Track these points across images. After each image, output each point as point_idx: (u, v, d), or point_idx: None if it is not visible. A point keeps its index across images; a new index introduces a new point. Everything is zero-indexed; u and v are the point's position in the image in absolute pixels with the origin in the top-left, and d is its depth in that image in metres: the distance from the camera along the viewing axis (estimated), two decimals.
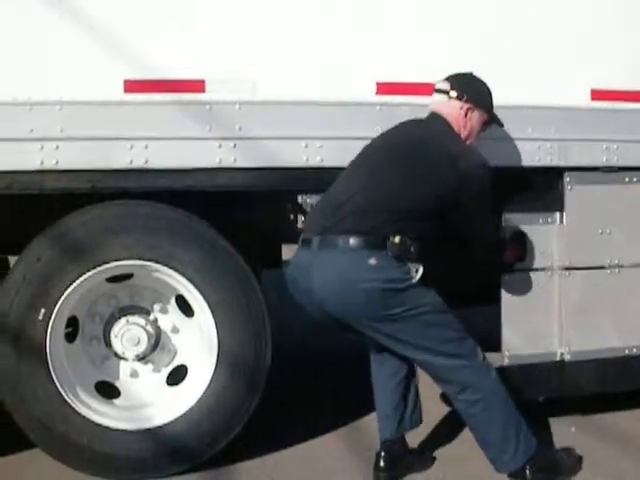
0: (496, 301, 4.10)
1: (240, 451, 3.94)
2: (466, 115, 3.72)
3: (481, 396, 3.58)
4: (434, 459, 4.01)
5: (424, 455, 4.02)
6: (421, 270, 3.45)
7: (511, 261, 4.03)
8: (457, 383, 3.59)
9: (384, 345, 3.63)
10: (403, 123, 3.74)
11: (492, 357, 3.76)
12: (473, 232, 3.66)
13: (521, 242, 4.06)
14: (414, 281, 3.44)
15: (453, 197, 3.51)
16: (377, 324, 3.49)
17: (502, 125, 3.85)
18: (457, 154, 3.55)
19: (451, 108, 3.72)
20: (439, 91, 3.76)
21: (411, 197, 3.46)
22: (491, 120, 3.82)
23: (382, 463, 3.77)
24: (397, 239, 3.39)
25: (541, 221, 4.16)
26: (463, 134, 3.74)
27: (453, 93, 3.71)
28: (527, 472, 3.64)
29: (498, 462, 3.66)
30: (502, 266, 4.03)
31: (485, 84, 3.79)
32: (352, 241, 3.40)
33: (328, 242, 3.45)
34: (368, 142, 3.69)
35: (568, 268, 4.17)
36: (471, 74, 3.78)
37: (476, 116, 3.75)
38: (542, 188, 4.16)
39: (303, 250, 3.57)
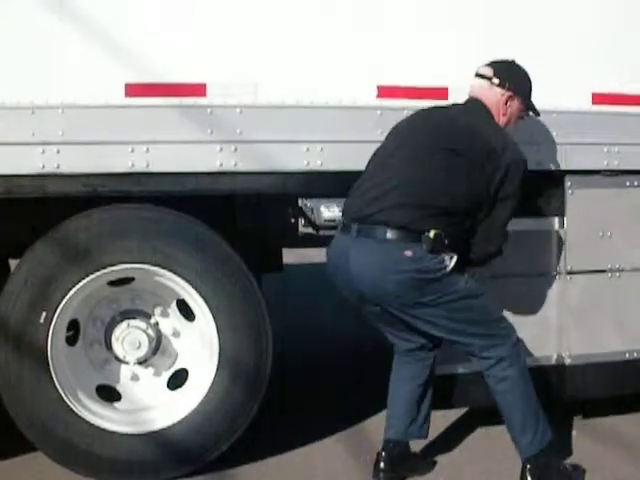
0: None
1: (240, 454, 3.93)
2: (506, 103, 3.73)
3: (510, 374, 3.63)
4: (434, 464, 4.01)
5: (425, 459, 4.02)
6: (455, 258, 3.50)
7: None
8: (492, 357, 3.63)
9: (417, 329, 3.68)
10: (443, 107, 3.76)
11: None
12: (497, 227, 3.64)
13: None
14: (447, 270, 3.49)
15: (489, 187, 3.53)
16: (411, 310, 3.54)
17: (538, 114, 3.87)
18: (502, 148, 3.55)
19: (492, 95, 3.72)
20: (481, 76, 3.76)
21: (451, 192, 3.49)
22: (528, 108, 3.82)
23: (382, 464, 3.79)
24: (432, 234, 3.43)
25: (542, 225, 4.16)
26: (502, 121, 3.74)
27: (495, 80, 3.71)
28: (535, 462, 3.69)
29: (520, 446, 3.73)
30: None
31: (526, 72, 3.79)
32: (389, 233, 3.45)
33: (366, 231, 3.50)
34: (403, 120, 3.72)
35: (569, 272, 4.18)
36: (513, 61, 3.78)
37: (516, 104, 3.76)
38: (543, 192, 4.17)
39: (342, 234, 3.62)
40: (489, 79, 3.73)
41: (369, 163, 3.68)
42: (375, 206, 3.50)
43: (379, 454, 3.81)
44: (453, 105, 3.78)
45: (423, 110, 3.74)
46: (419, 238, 3.44)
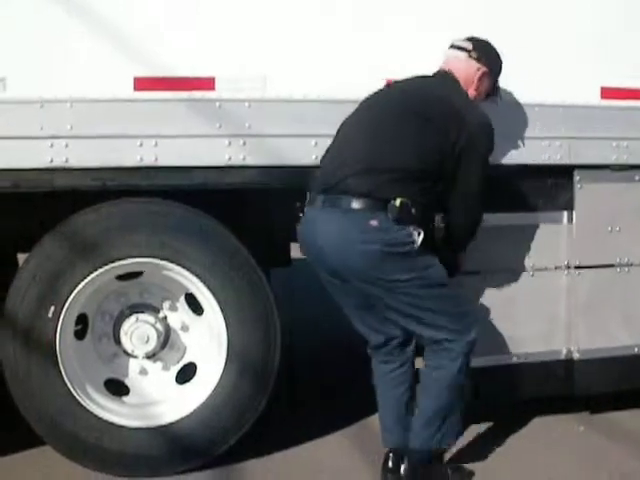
0: None
1: (247, 448, 3.93)
2: (480, 78, 3.72)
3: (451, 365, 3.55)
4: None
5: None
6: (422, 235, 3.41)
7: (459, 263, 3.92)
8: (442, 344, 3.55)
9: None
10: (412, 78, 3.69)
11: None
12: (465, 199, 3.58)
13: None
14: (415, 246, 3.40)
15: (456, 155, 3.47)
16: (375, 288, 3.46)
17: (500, 99, 3.85)
18: (466, 111, 3.53)
19: (467, 67, 3.71)
20: (458, 48, 3.74)
21: (416, 154, 3.42)
22: (494, 92, 3.82)
23: (390, 463, 3.74)
24: (398, 202, 3.35)
25: (550, 219, 4.15)
26: (471, 95, 3.72)
27: (474, 54, 3.71)
28: (419, 455, 3.63)
29: (415, 435, 3.64)
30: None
31: (500, 56, 3.79)
32: (354, 202, 3.38)
33: (332, 201, 3.44)
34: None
35: (577, 267, 4.17)
36: (490, 42, 3.78)
37: (487, 82, 3.76)
38: (551, 186, 4.16)
39: (310, 207, 3.56)
40: (468, 52, 3.71)
41: (336, 134, 3.62)
42: (340, 174, 3.44)
43: (387, 454, 3.76)
44: (423, 76, 3.70)
45: (393, 82, 3.71)
46: (385, 207, 3.36)
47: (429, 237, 3.50)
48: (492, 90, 3.81)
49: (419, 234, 3.41)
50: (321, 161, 3.64)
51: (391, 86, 3.70)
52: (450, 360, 3.55)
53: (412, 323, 3.56)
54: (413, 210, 3.38)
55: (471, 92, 3.71)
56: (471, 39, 3.75)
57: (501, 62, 3.78)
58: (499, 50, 3.77)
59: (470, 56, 3.71)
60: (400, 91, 3.64)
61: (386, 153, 3.44)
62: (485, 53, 3.73)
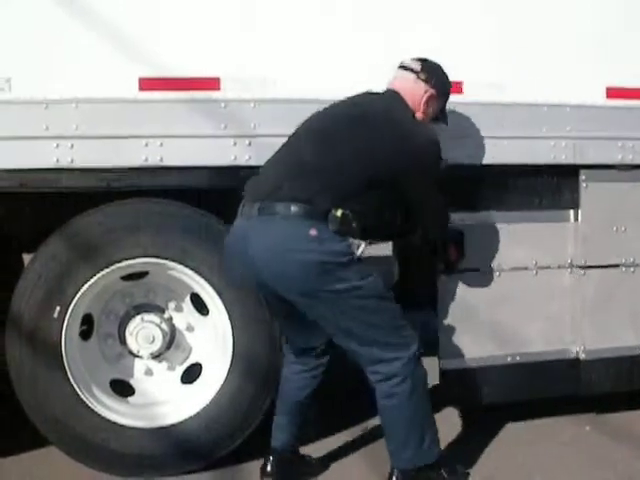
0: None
1: (252, 449, 3.91)
2: (427, 101, 3.62)
3: (399, 390, 3.44)
4: (327, 465, 3.96)
5: (315, 461, 3.96)
6: (363, 246, 3.34)
7: (453, 260, 3.93)
8: (382, 373, 3.44)
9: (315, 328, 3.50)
10: (361, 94, 3.60)
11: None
12: (426, 212, 3.56)
13: (460, 241, 3.95)
14: (355, 257, 3.31)
15: (402, 171, 3.39)
16: (311, 300, 3.33)
17: (446, 124, 3.75)
18: (413, 130, 3.46)
19: (416, 89, 3.60)
20: (406, 69, 3.64)
21: (359, 169, 3.33)
22: (441, 116, 3.74)
23: (269, 468, 3.70)
24: (339, 213, 3.26)
25: (556, 219, 4.14)
26: (418, 117, 3.63)
27: (423, 75, 3.60)
28: (407, 475, 3.55)
29: (396, 457, 3.55)
30: (444, 268, 3.94)
31: (449, 80, 3.70)
32: (293, 208, 3.26)
33: (268, 208, 3.31)
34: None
35: (583, 266, 4.16)
36: (440, 65, 3.68)
37: (435, 106, 3.66)
38: (557, 186, 4.15)
39: (241, 218, 3.43)
40: (416, 73, 3.62)
41: (281, 147, 3.54)
42: (278, 181, 3.34)
43: (266, 458, 3.71)
44: (372, 93, 3.62)
45: (341, 100, 3.58)
46: (325, 217, 3.27)
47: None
48: (440, 113, 3.72)
49: (359, 246, 3.33)
50: (261, 170, 3.51)
51: (340, 101, 3.57)
52: (397, 385, 3.44)
53: (349, 339, 3.43)
54: (354, 224, 3.29)
55: (418, 114, 3.62)
56: (420, 60, 3.66)
57: (450, 86, 3.71)
58: (505, 50, 3.76)
59: (418, 77, 3.61)
60: (348, 106, 3.53)
61: (330, 165, 3.33)
62: (434, 75, 3.63)
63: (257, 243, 3.32)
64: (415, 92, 3.61)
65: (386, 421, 3.55)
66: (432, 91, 3.62)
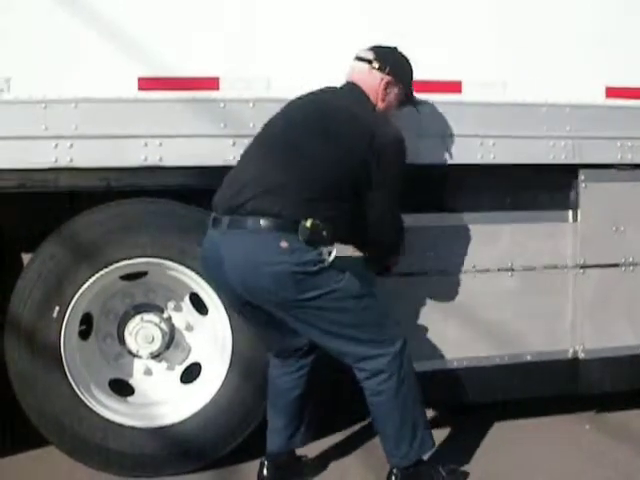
0: None
1: (252, 449, 3.90)
2: (386, 88, 3.56)
3: (386, 387, 3.42)
4: (325, 466, 3.95)
5: (313, 463, 3.94)
6: (334, 253, 3.31)
7: (391, 264, 3.84)
8: (367, 370, 3.43)
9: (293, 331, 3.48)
10: (316, 92, 3.56)
11: None
12: (380, 215, 3.46)
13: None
14: (327, 264, 3.29)
15: (366, 172, 3.35)
16: (288, 308, 3.33)
17: (418, 104, 3.70)
18: (374, 127, 3.39)
19: (371, 79, 3.55)
20: (360, 59, 3.59)
21: (324, 173, 3.30)
22: (408, 100, 3.67)
23: (265, 472, 3.69)
24: (309, 223, 3.23)
25: (555, 219, 4.15)
26: (379, 106, 3.58)
27: (376, 64, 3.55)
28: (406, 471, 3.53)
29: (392, 455, 3.54)
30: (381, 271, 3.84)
31: (409, 62, 3.64)
32: (262, 222, 3.24)
33: (238, 222, 3.29)
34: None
35: (582, 266, 4.17)
36: (396, 48, 3.63)
37: (395, 91, 3.59)
38: (556, 186, 4.15)
39: (213, 229, 3.40)
40: (369, 62, 3.56)
41: (242, 155, 3.52)
42: (246, 194, 3.29)
43: (262, 463, 3.70)
44: (329, 89, 3.57)
45: (298, 97, 3.56)
46: (296, 228, 3.24)
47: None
48: (405, 98, 3.66)
49: (329, 253, 3.30)
50: (225, 181, 3.45)
51: (296, 101, 3.55)
52: (384, 382, 3.42)
53: (332, 341, 3.41)
54: (324, 232, 3.26)
55: (380, 104, 3.58)
56: (373, 48, 3.61)
57: (409, 68, 3.64)
58: (505, 50, 3.76)
59: (372, 67, 3.56)
60: (306, 107, 3.50)
61: (294, 173, 3.30)
62: (388, 61, 3.56)
63: (230, 258, 3.32)
64: (372, 82, 3.56)
65: (377, 419, 3.55)
66: (388, 78, 3.56)
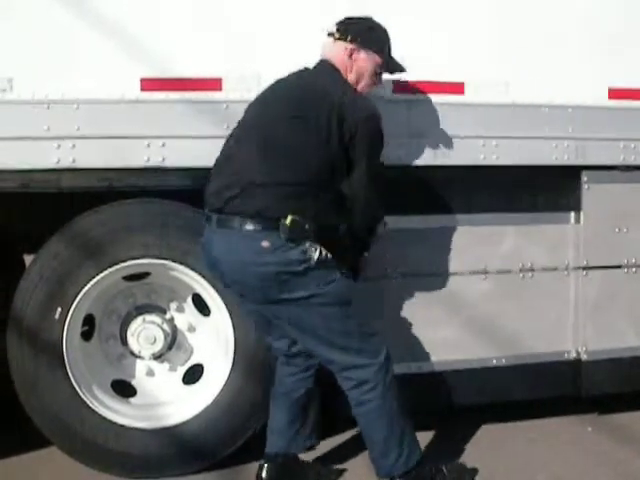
0: None
1: (254, 450, 3.90)
2: (351, 56, 3.45)
3: (371, 397, 3.41)
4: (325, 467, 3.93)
5: (313, 464, 3.92)
6: (319, 250, 3.26)
7: (361, 266, 3.73)
8: (353, 379, 3.41)
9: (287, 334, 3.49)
10: (290, 76, 3.49)
11: None
12: (353, 194, 3.37)
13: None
14: (312, 262, 3.25)
15: (345, 152, 3.29)
16: (275, 308, 3.34)
17: (402, 70, 3.58)
18: (347, 105, 3.29)
19: (337, 50, 3.47)
20: (328, 34, 3.51)
21: (301, 166, 3.25)
22: (386, 65, 3.53)
23: (265, 474, 3.65)
24: (289, 220, 3.20)
25: (558, 220, 4.15)
26: (351, 79, 3.47)
27: (337, 34, 3.47)
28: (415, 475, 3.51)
29: (378, 465, 3.52)
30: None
31: (380, 27, 3.53)
32: (246, 224, 3.24)
33: (224, 222, 3.30)
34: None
35: (585, 267, 4.16)
36: (367, 18, 3.52)
37: (362, 58, 3.46)
38: (559, 187, 4.15)
39: (207, 225, 3.42)
40: (333, 35, 3.49)
41: (224, 146, 3.48)
42: (229, 192, 3.29)
43: (261, 465, 3.67)
44: (303, 70, 3.50)
45: (273, 83, 3.50)
46: (277, 226, 3.21)
47: (335, 248, 3.35)
48: (385, 64, 3.52)
49: (315, 250, 3.26)
50: (211, 175, 3.44)
51: (271, 86, 3.49)
52: (368, 392, 3.40)
53: (319, 346, 3.40)
54: (307, 226, 3.23)
55: (351, 77, 3.47)
56: (339, 21, 3.51)
57: (380, 34, 3.52)
58: (507, 51, 3.75)
59: (336, 38, 3.47)
60: (276, 95, 3.44)
61: (271, 169, 3.26)
62: (350, 29, 3.46)
63: (221, 257, 3.35)
64: (338, 54, 3.47)
65: (364, 429, 3.53)
66: (351, 46, 3.46)
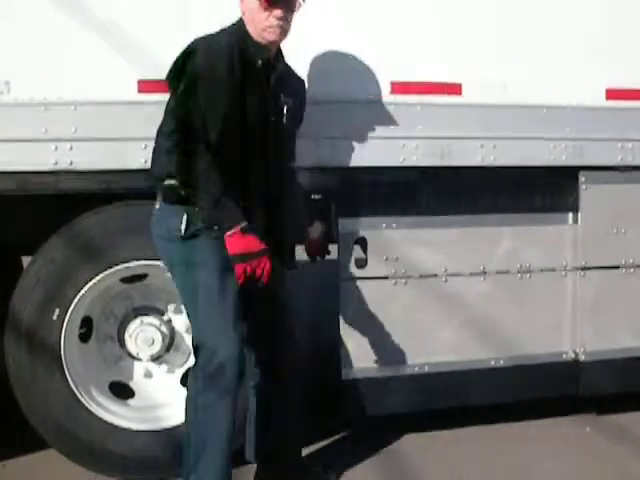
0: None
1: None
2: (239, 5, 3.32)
3: (188, 394, 3.33)
4: (325, 470, 3.90)
5: (315, 467, 3.89)
6: (185, 219, 3.18)
7: (310, 254, 3.75)
8: (195, 362, 3.31)
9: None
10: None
11: None
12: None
13: (325, 239, 3.78)
14: (181, 231, 3.20)
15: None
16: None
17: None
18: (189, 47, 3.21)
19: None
20: None
21: (169, 116, 3.22)
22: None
23: (262, 475, 3.70)
24: (166, 182, 3.20)
25: (556, 221, 4.15)
26: (247, 19, 3.30)
27: None
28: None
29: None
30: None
31: None
32: (155, 188, 3.32)
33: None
34: None
35: (583, 268, 4.16)
36: None
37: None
38: (557, 188, 4.15)
39: None
40: None
41: None
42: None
43: (258, 465, 3.70)
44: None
45: None
46: (161, 188, 3.27)
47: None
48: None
49: (182, 219, 3.19)
50: None
51: None
52: (189, 387, 3.33)
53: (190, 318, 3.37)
54: (182, 192, 3.14)
55: (246, 18, 3.30)
56: None
57: None
58: (505, 52, 3.75)
59: None
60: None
61: (161, 128, 3.29)
62: None
63: None
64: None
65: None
66: None
